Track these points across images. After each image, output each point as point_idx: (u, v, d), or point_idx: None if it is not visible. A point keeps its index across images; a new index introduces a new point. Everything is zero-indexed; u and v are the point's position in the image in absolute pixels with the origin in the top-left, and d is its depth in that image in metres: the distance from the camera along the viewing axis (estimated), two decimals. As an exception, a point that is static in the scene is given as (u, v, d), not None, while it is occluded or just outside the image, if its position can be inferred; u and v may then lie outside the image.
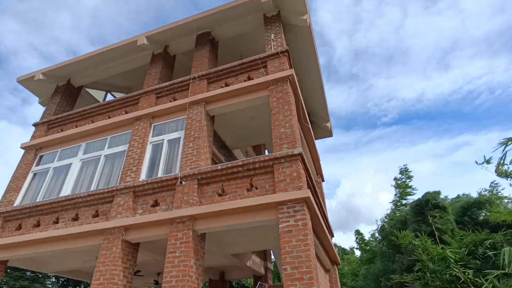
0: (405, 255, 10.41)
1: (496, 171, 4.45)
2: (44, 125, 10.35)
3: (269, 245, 7.54)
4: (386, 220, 14.13)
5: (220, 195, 6.41)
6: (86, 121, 9.71)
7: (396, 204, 12.53)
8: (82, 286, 18.80)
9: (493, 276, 4.27)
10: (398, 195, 12.44)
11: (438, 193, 11.25)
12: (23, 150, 10.00)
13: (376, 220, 14.57)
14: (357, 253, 24.72)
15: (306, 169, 6.33)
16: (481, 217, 11.09)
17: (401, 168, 12.31)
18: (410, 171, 12.13)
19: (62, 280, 17.69)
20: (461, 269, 5.22)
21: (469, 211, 11.67)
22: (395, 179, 12.63)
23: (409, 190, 12.17)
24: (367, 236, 19.99)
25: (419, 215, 10.88)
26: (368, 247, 17.07)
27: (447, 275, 5.52)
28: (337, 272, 9.96)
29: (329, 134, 13.33)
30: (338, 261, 9.80)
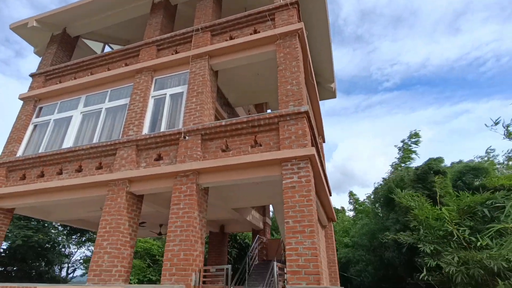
0: (399, 214, 10.80)
1: (504, 133, 4.44)
2: (42, 76, 10.05)
3: (269, 200, 7.74)
4: (382, 183, 14.45)
5: (224, 150, 6.42)
6: (85, 72, 9.42)
7: (396, 167, 12.64)
8: (87, 235, 19.66)
9: (490, 233, 4.44)
10: (399, 158, 12.41)
11: (441, 159, 11.37)
12: (22, 102, 9.82)
13: (374, 183, 14.85)
14: (349, 213, 25.60)
15: (311, 127, 6.29)
16: (477, 183, 11.35)
17: (412, 132, 12.03)
18: (419, 137, 11.88)
19: (68, 229, 18.43)
20: (455, 226, 5.43)
21: (465, 176, 11.89)
22: (402, 141, 12.48)
23: (412, 155, 12.11)
24: (362, 198, 20.60)
25: (420, 181, 11.09)
26: (362, 207, 17.67)
27: (441, 232, 5.76)
28: (332, 228, 10.39)
29: (332, 95, 13.11)
30: (334, 218, 10.16)
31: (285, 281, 4.88)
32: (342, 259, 15.36)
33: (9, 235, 15.91)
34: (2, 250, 16.37)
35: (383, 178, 14.40)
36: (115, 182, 6.84)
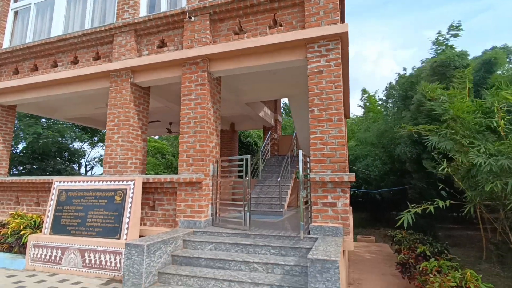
0: (414, 113, 10.37)
1: None
2: None
3: (286, 92, 7.19)
4: (397, 79, 13.62)
5: (237, 33, 5.54)
6: None
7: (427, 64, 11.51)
8: (99, 136, 20.05)
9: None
10: (433, 53, 11.14)
11: (465, 53, 10.27)
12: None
13: (390, 83, 13.87)
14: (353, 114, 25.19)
15: (342, 1, 5.23)
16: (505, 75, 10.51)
17: (452, 24, 10.48)
18: (460, 29, 10.28)
19: (78, 130, 18.66)
20: (501, 116, 4.98)
21: (480, 71, 10.94)
22: (438, 33, 10.99)
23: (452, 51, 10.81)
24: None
25: (437, 75, 10.24)
26: (373, 105, 17.26)
27: (477, 126, 5.37)
28: (346, 124, 10.16)
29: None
30: (348, 114, 9.82)
31: (309, 170, 4.70)
32: (349, 156, 15.78)
33: (21, 134, 16.12)
34: (19, 151, 16.90)
35: (398, 73, 13.47)
36: (116, 73, 6.19)
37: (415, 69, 11.73)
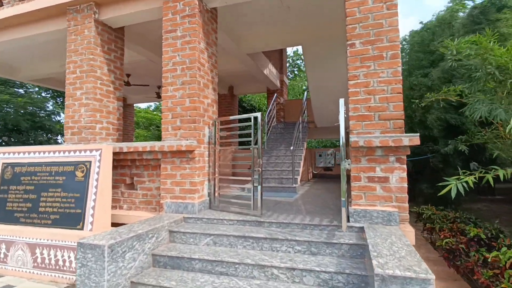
0: (446, 71, 8.88)
1: None
2: None
3: (301, 37, 5.60)
4: (409, 34, 11.89)
5: None
6: None
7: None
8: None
9: None
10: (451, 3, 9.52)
11: None
12: None
13: (402, 41, 12.00)
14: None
15: None
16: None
17: None
18: None
19: (59, 100, 16.99)
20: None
21: None
22: None
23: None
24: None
25: (476, 23, 8.65)
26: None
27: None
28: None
29: None
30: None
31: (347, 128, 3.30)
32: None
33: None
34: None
35: (411, 31, 11.74)
36: (75, 7, 4.59)
37: (430, 21, 10.09)
